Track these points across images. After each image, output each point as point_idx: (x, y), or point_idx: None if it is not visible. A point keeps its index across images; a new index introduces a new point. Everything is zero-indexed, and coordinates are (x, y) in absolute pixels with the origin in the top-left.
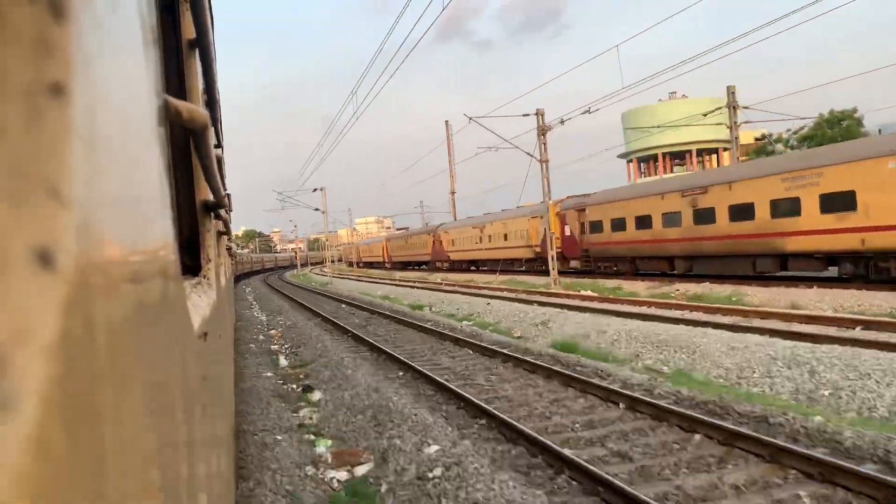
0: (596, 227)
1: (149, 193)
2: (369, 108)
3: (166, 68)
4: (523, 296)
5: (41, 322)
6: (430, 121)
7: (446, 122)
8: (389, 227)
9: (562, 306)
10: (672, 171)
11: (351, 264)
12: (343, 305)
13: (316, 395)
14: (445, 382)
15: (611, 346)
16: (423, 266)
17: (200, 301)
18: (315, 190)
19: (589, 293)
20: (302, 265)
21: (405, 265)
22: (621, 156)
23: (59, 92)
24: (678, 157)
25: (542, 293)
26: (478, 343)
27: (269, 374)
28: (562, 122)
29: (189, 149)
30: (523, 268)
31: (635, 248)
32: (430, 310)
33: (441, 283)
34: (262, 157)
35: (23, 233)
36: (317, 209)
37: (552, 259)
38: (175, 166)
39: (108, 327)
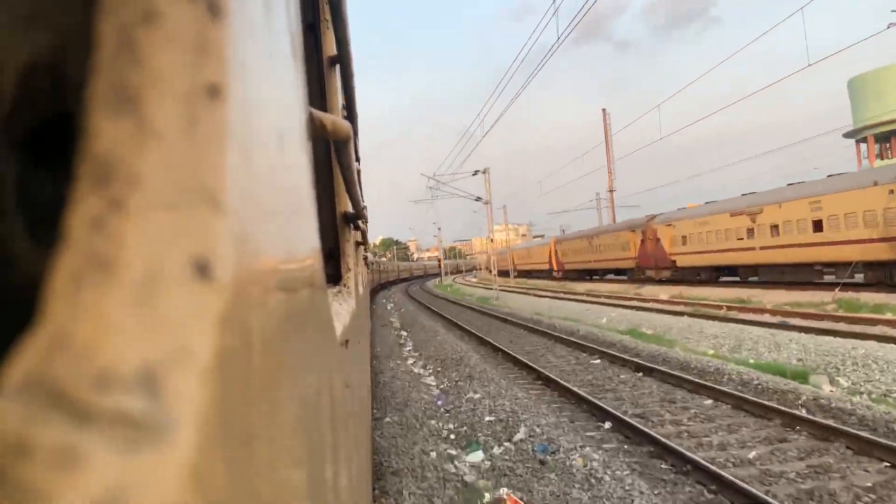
0: None
1: (298, 203)
2: (504, 117)
3: (309, 83)
4: None
5: (199, 339)
6: (564, 128)
7: (603, 110)
8: (525, 235)
9: None
10: None
11: (505, 273)
12: (557, 345)
13: None
14: None
15: None
16: (620, 275)
17: (342, 309)
18: (475, 173)
19: None
20: (447, 273)
21: (585, 274)
22: (848, 134)
23: (216, 93)
24: None
25: None
26: None
27: None
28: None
29: (330, 160)
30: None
31: None
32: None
33: (721, 308)
34: (400, 166)
35: (182, 243)
36: (478, 198)
37: None
38: (317, 177)
39: (264, 340)
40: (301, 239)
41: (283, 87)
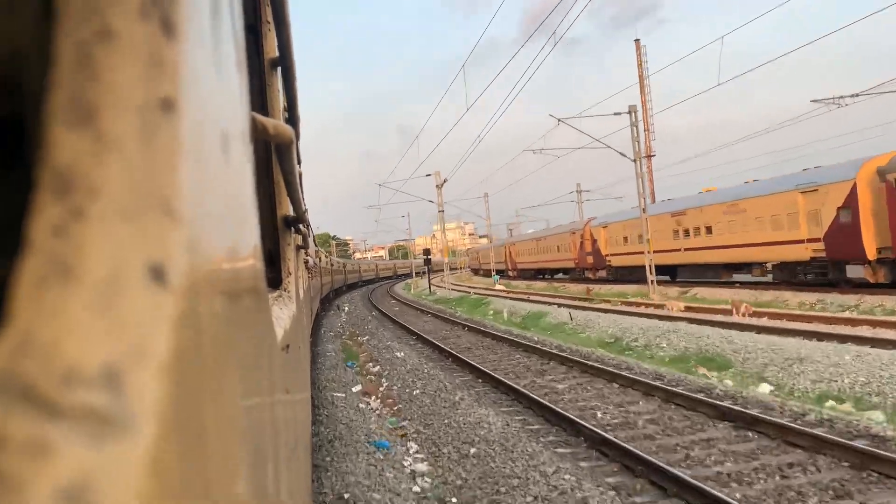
0: None
1: (243, 209)
2: (450, 116)
3: (250, 86)
4: None
5: (155, 339)
6: (516, 126)
7: (636, 41)
8: (472, 234)
9: None
10: None
11: (477, 271)
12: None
13: None
14: None
15: None
16: (567, 274)
17: (282, 314)
18: (429, 175)
19: None
20: (417, 274)
21: (536, 273)
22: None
23: (170, 107)
24: None
25: None
26: None
27: None
28: None
29: (269, 162)
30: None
31: None
32: None
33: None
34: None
35: (139, 250)
36: (431, 201)
37: None
38: (257, 180)
39: (213, 342)
40: (245, 244)
41: (229, 95)
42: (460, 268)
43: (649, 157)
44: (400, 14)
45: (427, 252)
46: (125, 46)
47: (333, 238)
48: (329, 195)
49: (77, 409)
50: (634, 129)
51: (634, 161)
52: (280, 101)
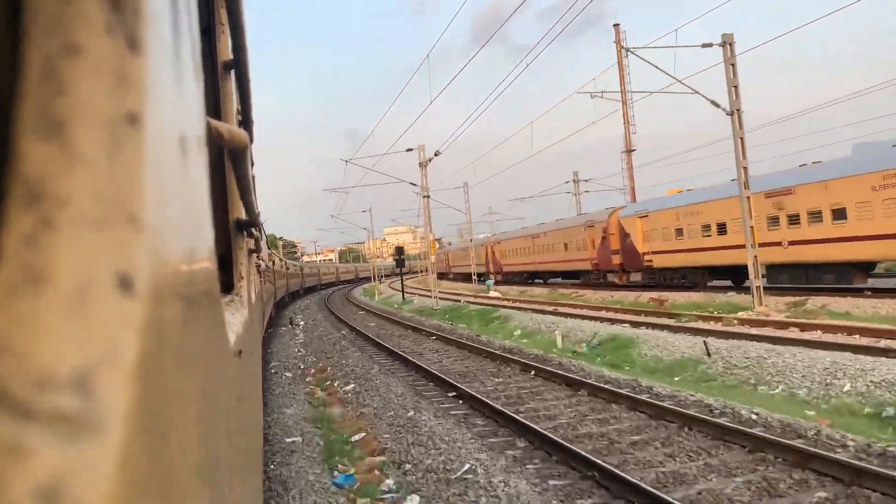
0: None
1: (200, 215)
2: (400, 121)
3: (204, 90)
4: None
5: (123, 345)
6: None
7: (615, 26)
8: (424, 238)
9: None
10: None
11: (445, 275)
12: None
13: None
14: None
15: None
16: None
17: (234, 319)
18: (410, 150)
19: None
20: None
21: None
22: None
23: (135, 121)
24: None
25: None
26: None
27: None
28: None
29: (221, 163)
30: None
31: None
32: None
33: None
34: (287, 171)
35: (106, 259)
36: (413, 183)
37: None
38: (210, 184)
39: (175, 347)
40: (201, 249)
41: (188, 104)
42: (420, 272)
43: (629, 151)
44: (345, 18)
45: (400, 251)
46: (91, 61)
47: (280, 240)
48: (277, 196)
49: (50, 412)
50: (731, 68)
51: (731, 114)
52: (234, 104)
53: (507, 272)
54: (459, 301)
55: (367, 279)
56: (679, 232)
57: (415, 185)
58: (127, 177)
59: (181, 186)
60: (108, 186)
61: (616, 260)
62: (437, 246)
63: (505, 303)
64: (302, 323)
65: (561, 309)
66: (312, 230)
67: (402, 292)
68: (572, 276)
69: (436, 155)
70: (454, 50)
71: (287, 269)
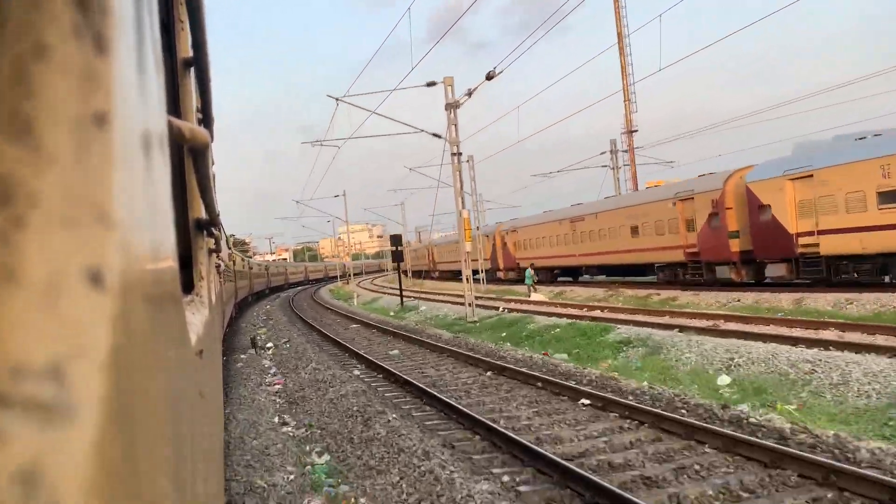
0: None
1: (163, 212)
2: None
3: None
4: None
5: (94, 338)
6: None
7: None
8: (381, 237)
9: None
10: None
11: (428, 273)
12: None
13: None
14: None
15: None
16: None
17: (194, 318)
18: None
19: None
20: (340, 276)
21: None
22: None
23: (103, 121)
24: None
25: None
26: None
27: None
28: None
29: (182, 163)
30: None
31: None
32: None
33: None
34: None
35: (77, 255)
36: (437, 135)
37: None
38: (172, 183)
39: (142, 341)
40: (165, 247)
41: (152, 103)
42: (383, 270)
43: (630, 132)
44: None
45: (397, 240)
46: (60, 62)
47: (231, 237)
48: (226, 192)
49: (25, 400)
50: None
51: None
52: (193, 102)
53: (528, 268)
54: (498, 309)
55: (334, 279)
56: (887, 197)
57: (438, 136)
58: (95, 176)
59: (146, 185)
60: (77, 185)
61: (735, 246)
62: (409, 241)
63: (559, 309)
64: (272, 345)
65: (693, 323)
66: (265, 228)
67: (401, 296)
68: (634, 273)
69: (489, 78)
70: (410, 43)
71: (251, 268)
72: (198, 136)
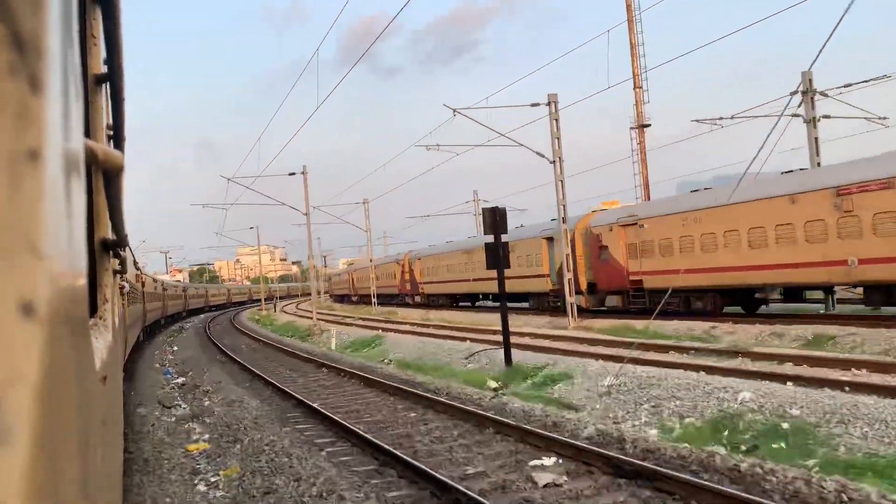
0: None
1: (79, 238)
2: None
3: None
4: None
5: (27, 365)
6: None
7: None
8: (283, 259)
9: None
10: None
11: (348, 297)
12: None
13: None
14: None
15: None
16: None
17: (98, 343)
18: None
19: None
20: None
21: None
22: None
23: (35, 157)
24: None
25: None
26: None
27: None
28: None
29: (89, 180)
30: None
31: None
32: None
33: None
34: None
35: (9, 286)
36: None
37: None
38: None
39: (62, 369)
40: (79, 273)
41: (75, 134)
42: (300, 294)
43: (642, 127)
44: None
45: (501, 216)
46: None
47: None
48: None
49: None
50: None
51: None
52: (104, 120)
53: (431, 293)
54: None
55: (240, 304)
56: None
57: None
58: (28, 209)
59: (67, 213)
60: (10, 218)
61: (583, 279)
62: (320, 269)
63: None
64: (186, 407)
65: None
66: (157, 244)
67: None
68: (518, 300)
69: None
70: (323, 65)
71: (164, 290)
72: (111, 160)
